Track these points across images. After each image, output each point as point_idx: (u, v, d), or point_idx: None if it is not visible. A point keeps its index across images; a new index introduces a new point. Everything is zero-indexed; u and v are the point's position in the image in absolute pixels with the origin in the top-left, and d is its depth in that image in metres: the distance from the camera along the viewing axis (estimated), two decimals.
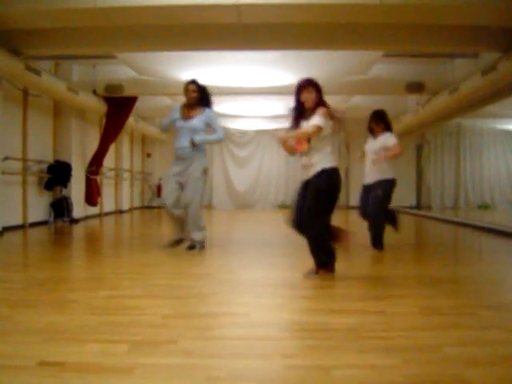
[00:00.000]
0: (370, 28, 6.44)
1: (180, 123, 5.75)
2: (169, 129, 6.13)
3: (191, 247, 5.82)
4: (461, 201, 15.10)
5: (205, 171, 5.80)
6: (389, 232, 6.03)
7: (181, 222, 5.80)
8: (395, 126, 6.06)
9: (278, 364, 2.23)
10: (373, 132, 6.06)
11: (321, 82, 4.27)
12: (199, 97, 5.76)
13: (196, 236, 5.76)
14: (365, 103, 11.84)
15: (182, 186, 5.73)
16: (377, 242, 5.82)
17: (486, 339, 2.56)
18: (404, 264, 5.26)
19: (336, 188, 4.16)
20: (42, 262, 5.36)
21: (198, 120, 5.70)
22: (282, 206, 15.75)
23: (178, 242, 5.88)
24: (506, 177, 14.89)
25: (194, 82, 5.80)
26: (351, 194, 16.33)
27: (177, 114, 5.81)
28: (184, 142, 5.67)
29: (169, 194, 5.74)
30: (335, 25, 6.33)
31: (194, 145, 5.64)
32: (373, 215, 5.85)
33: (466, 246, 7.44)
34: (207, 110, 5.78)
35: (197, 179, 5.70)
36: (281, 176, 16.69)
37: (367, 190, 5.98)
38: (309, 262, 4.31)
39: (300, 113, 4.31)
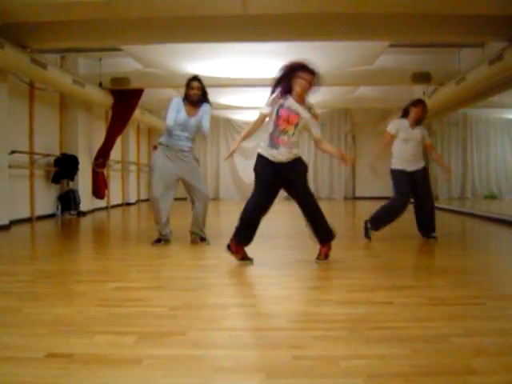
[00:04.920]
0: (376, 18, 6.41)
1: (184, 118, 5.51)
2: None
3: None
4: (468, 191, 15.06)
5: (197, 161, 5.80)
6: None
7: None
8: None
9: (286, 354, 2.23)
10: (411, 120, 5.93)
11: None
12: (201, 94, 5.58)
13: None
14: (371, 94, 11.80)
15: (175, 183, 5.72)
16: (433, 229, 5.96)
17: (493, 329, 2.56)
18: (411, 254, 5.25)
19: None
20: (50, 254, 5.38)
21: (198, 118, 5.54)
22: (288, 198, 15.70)
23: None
24: None
25: (197, 79, 5.57)
26: (357, 185, 16.31)
27: (182, 108, 5.54)
28: (183, 139, 5.57)
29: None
30: (341, 15, 6.31)
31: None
32: (432, 204, 5.98)
33: (474, 237, 7.41)
34: (205, 105, 5.58)
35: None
36: None
37: (410, 176, 5.88)
38: (315, 253, 4.33)
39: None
